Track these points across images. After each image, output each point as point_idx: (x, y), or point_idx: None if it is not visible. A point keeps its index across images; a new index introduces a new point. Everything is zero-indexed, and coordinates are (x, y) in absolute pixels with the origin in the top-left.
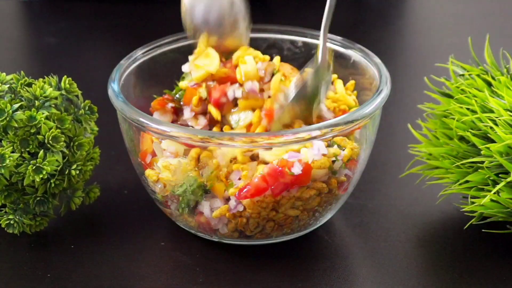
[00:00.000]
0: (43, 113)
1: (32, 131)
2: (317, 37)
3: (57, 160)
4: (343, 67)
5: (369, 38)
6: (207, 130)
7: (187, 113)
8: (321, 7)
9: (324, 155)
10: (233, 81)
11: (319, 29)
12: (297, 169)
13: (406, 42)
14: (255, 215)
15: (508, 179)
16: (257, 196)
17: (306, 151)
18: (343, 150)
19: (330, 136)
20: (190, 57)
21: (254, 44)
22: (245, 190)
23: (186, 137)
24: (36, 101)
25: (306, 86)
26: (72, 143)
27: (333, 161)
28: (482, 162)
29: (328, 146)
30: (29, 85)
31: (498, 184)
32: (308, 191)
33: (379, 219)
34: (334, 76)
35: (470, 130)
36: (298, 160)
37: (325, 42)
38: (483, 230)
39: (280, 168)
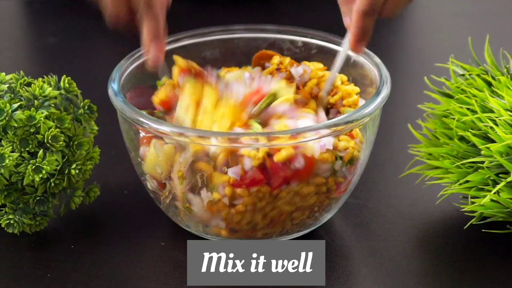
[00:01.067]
0: (42, 113)
1: (32, 130)
2: (317, 37)
3: (56, 160)
4: (343, 67)
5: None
6: (207, 130)
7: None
8: (321, 7)
9: (328, 150)
10: None
11: (319, 29)
12: (299, 164)
13: (406, 42)
14: (250, 206)
15: (508, 179)
16: (252, 186)
17: (312, 145)
18: (345, 149)
19: (330, 136)
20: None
21: (254, 44)
22: (241, 178)
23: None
24: (35, 101)
25: None
26: (71, 143)
27: (335, 158)
28: (482, 162)
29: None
30: (29, 84)
31: (498, 184)
32: (307, 187)
33: (379, 219)
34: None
35: (470, 130)
36: (301, 154)
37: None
38: (483, 230)
39: (281, 164)
